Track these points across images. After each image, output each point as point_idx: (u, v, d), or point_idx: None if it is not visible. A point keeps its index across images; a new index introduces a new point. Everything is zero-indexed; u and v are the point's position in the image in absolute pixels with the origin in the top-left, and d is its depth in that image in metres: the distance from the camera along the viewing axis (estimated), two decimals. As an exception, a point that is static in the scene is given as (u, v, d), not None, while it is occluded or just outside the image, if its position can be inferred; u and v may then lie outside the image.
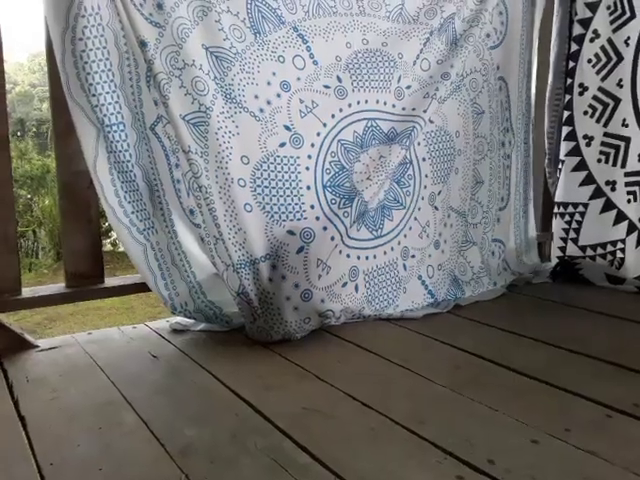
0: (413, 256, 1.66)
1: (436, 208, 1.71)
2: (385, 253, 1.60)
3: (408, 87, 1.64)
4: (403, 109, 1.63)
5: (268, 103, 1.43)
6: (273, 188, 1.42)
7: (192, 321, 1.52)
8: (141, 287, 1.48)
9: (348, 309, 1.53)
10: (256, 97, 1.41)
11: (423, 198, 1.68)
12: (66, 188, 1.43)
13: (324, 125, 1.51)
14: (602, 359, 1.27)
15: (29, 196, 6.59)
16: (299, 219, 1.45)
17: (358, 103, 1.56)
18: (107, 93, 1.31)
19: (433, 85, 1.65)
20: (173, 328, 1.51)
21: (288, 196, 1.45)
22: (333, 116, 1.53)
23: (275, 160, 1.43)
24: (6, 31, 1.32)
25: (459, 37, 1.71)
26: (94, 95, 1.29)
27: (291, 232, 1.43)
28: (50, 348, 1.39)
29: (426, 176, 1.69)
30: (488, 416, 1.02)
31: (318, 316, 1.45)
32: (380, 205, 1.59)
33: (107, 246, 5.21)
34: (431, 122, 1.68)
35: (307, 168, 1.48)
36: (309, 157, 1.49)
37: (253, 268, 1.39)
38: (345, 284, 1.51)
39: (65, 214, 1.45)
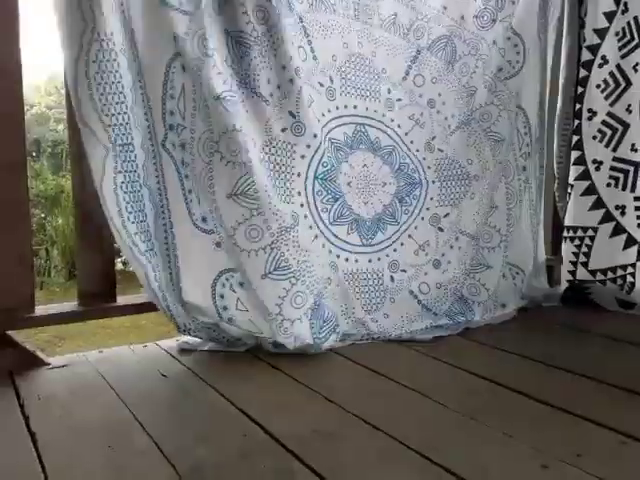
0: (404, 271, 1.71)
1: (440, 229, 1.77)
2: (370, 261, 1.66)
3: (399, 100, 1.73)
4: (392, 120, 1.72)
5: (278, 88, 1.49)
6: (271, 171, 1.49)
7: (200, 340, 1.52)
8: (152, 307, 1.49)
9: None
10: (269, 81, 1.48)
11: (423, 218, 1.75)
12: (81, 208, 1.46)
13: (318, 121, 1.57)
14: (615, 385, 1.26)
15: (43, 215, 6.68)
16: (288, 202, 1.52)
17: (345, 107, 1.64)
18: (119, 114, 1.33)
19: (419, 108, 1.74)
20: (181, 348, 1.52)
21: (282, 180, 1.51)
22: (323, 115, 1.59)
23: (276, 144, 1.50)
24: (24, 54, 1.35)
25: (458, 59, 1.79)
26: (107, 115, 1.31)
27: (293, 212, 1.51)
28: (61, 366, 1.40)
29: (431, 198, 1.75)
30: (501, 442, 1.01)
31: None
32: (377, 217, 1.68)
33: (118, 265, 5.25)
34: (440, 151, 1.77)
35: (302, 156, 1.54)
36: (307, 146, 1.54)
37: (277, 240, 1.45)
38: (324, 277, 1.56)
39: (80, 233, 1.47)
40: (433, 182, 1.75)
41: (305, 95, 1.50)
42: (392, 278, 1.69)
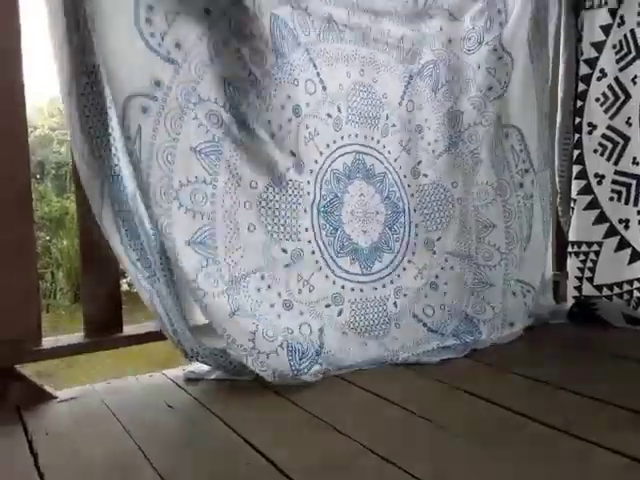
0: (405, 295, 1.72)
1: (434, 252, 1.79)
2: (375, 289, 1.68)
3: (393, 125, 1.74)
4: (384, 147, 1.73)
5: (280, 128, 1.49)
6: (277, 209, 1.52)
7: (206, 369, 1.52)
8: (159, 335, 1.49)
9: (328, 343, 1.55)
10: (269, 122, 1.48)
11: (416, 244, 1.77)
12: (86, 235, 1.46)
13: (320, 154, 1.58)
14: (622, 406, 1.25)
15: (48, 238, 6.70)
16: (294, 240, 1.54)
17: (349, 136, 1.65)
18: (111, 145, 1.35)
19: (408, 133, 1.76)
20: (187, 377, 1.51)
21: (288, 217, 1.54)
22: (328, 146, 1.60)
23: (281, 183, 1.51)
24: (26, 76, 1.36)
25: (441, 86, 1.80)
26: (98, 147, 1.33)
27: (284, 250, 1.53)
28: (69, 399, 1.40)
29: (416, 225, 1.78)
30: (512, 472, 1.00)
31: (299, 331, 1.51)
32: (374, 246, 1.69)
33: (124, 286, 5.26)
34: (425, 176, 1.79)
35: (308, 193, 1.57)
36: (308, 182, 1.57)
37: (244, 282, 1.45)
38: (328, 306, 1.58)
39: (84, 263, 1.48)
40: (414, 210, 1.77)
41: (304, 132, 1.52)
42: (395, 304, 1.70)
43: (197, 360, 1.48)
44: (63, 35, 1.30)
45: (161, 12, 1.33)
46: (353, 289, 1.65)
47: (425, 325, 1.72)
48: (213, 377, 1.50)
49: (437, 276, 1.79)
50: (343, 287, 1.63)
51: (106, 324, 1.49)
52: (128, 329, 1.52)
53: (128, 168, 1.37)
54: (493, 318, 1.80)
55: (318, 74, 1.54)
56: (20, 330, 1.37)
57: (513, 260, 1.88)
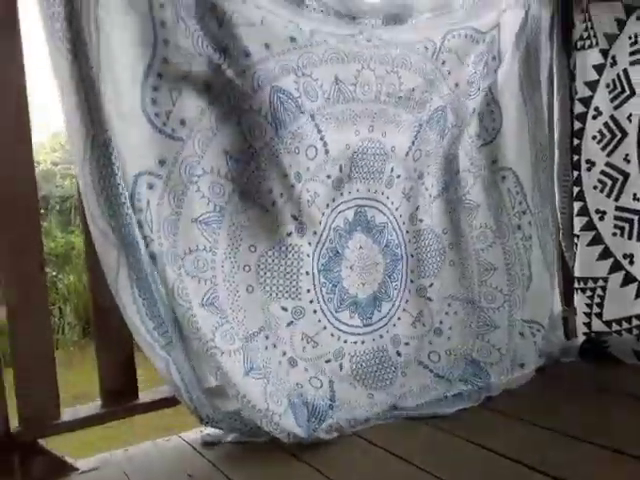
0: (407, 344, 1.75)
1: (429, 299, 1.80)
2: (374, 340, 1.71)
3: (398, 176, 1.75)
4: (387, 197, 1.74)
5: (281, 195, 1.52)
6: (275, 272, 1.56)
7: (222, 432, 1.53)
8: (174, 401, 1.51)
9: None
10: (270, 191, 1.51)
11: (410, 291, 1.79)
12: (98, 306, 1.49)
13: (322, 214, 1.61)
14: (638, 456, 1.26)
15: (54, 273, 6.75)
16: (294, 298, 1.58)
17: (350, 193, 1.67)
18: (126, 214, 1.36)
19: (411, 181, 1.77)
20: (204, 440, 1.52)
21: (288, 279, 1.57)
22: (327, 205, 1.63)
23: (280, 248, 1.55)
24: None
25: (447, 131, 1.80)
26: (111, 216, 1.35)
27: (284, 308, 1.56)
28: (89, 470, 1.42)
29: (412, 271, 1.80)
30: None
31: (309, 384, 1.55)
32: (372, 297, 1.72)
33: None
34: (420, 221, 1.80)
35: (308, 255, 1.60)
36: (309, 244, 1.60)
37: (255, 340, 1.50)
38: (329, 361, 1.62)
39: (99, 335, 1.51)
40: (412, 255, 1.80)
41: (306, 196, 1.54)
42: (398, 353, 1.72)
43: (212, 426, 1.50)
44: (73, 110, 1.32)
45: (165, 91, 1.37)
46: (355, 342, 1.67)
47: (432, 371, 1.74)
48: (229, 439, 1.52)
49: (441, 322, 1.81)
50: (346, 341, 1.66)
51: (122, 392, 1.51)
52: (144, 396, 1.54)
53: (142, 237, 1.40)
54: (500, 361, 1.81)
55: (322, 138, 1.55)
56: (41, 405, 1.40)
57: (516, 301, 1.90)
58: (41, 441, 1.40)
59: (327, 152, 1.57)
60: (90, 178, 1.34)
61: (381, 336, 1.72)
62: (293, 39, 1.47)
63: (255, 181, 1.49)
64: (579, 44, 2.00)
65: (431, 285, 1.82)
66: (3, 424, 1.36)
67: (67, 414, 1.45)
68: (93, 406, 1.50)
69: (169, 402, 1.52)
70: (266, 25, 1.43)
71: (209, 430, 1.54)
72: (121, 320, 1.47)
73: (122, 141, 1.32)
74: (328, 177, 1.60)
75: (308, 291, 1.60)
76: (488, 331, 1.84)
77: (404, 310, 1.78)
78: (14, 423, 1.39)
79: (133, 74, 1.34)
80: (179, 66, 1.36)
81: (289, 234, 1.55)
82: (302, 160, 1.53)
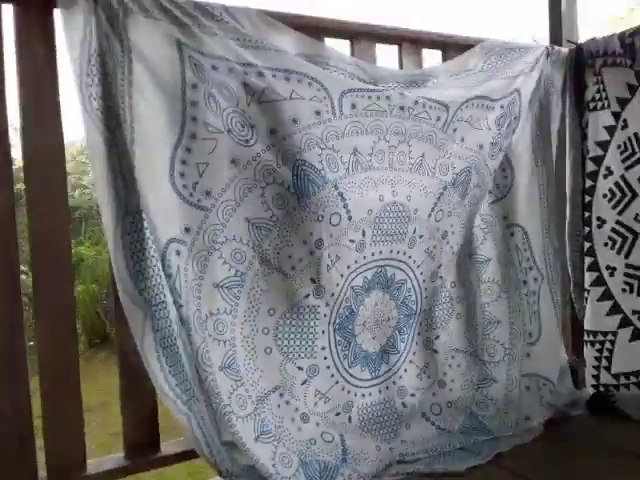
0: (413, 395, 1.80)
1: (435, 351, 1.86)
2: (380, 391, 1.76)
3: (421, 236, 1.79)
4: (409, 257, 1.79)
5: (300, 261, 1.59)
6: (292, 333, 1.62)
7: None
8: (194, 454, 1.56)
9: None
10: (290, 257, 1.57)
11: (417, 343, 1.85)
12: (125, 365, 1.56)
13: (341, 276, 1.66)
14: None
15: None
16: (309, 357, 1.64)
17: (373, 255, 1.72)
18: (151, 277, 1.45)
19: (434, 241, 1.82)
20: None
21: (304, 339, 1.63)
22: (348, 267, 1.68)
23: (298, 310, 1.61)
24: None
25: (469, 191, 1.85)
26: (141, 280, 1.43)
27: (300, 367, 1.63)
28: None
29: (420, 324, 1.86)
30: None
31: (321, 439, 1.61)
32: (382, 350, 1.77)
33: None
34: (440, 278, 1.86)
35: (325, 315, 1.66)
36: (327, 305, 1.65)
37: (267, 400, 1.56)
38: (338, 414, 1.67)
39: (125, 392, 1.57)
40: (424, 311, 1.85)
41: (326, 261, 1.60)
42: (404, 404, 1.78)
43: (231, 480, 1.56)
44: (107, 178, 1.40)
45: (193, 164, 1.45)
46: (363, 395, 1.73)
47: (433, 424, 1.80)
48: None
49: (445, 374, 1.86)
50: (355, 394, 1.72)
51: (144, 445, 1.58)
52: (166, 448, 1.60)
53: (170, 299, 1.47)
54: (499, 413, 1.86)
55: (345, 205, 1.60)
56: (68, 458, 1.47)
57: (516, 355, 1.95)
58: (67, 492, 1.47)
59: (350, 218, 1.62)
60: (121, 243, 1.42)
61: (387, 387, 1.77)
62: (318, 113, 1.55)
63: (276, 247, 1.55)
64: (591, 105, 2.06)
65: (437, 337, 1.87)
66: (33, 477, 1.43)
67: (92, 466, 1.52)
68: (116, 458, 1.57)
69: (190, 455, 1.58)
70: (295, 99, 1.51)
71: (228, 481, 1.60)
72: (145, 375, 1.55)
73: (153, 210, 1.40)
74: (351, 241, 1.65)
75: (323, 348, 1.66)
76: (487, 385, 1.90)
77: (410, 362, 1.83)
78: (42, 473, 1.46)
79: (163, 149, 1.42)
80: (207, 142, 1.44)
81: (306, 296, 1.61)
82: (325, 227, 1.58)
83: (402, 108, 1.69)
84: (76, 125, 1.42)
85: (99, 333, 6.97)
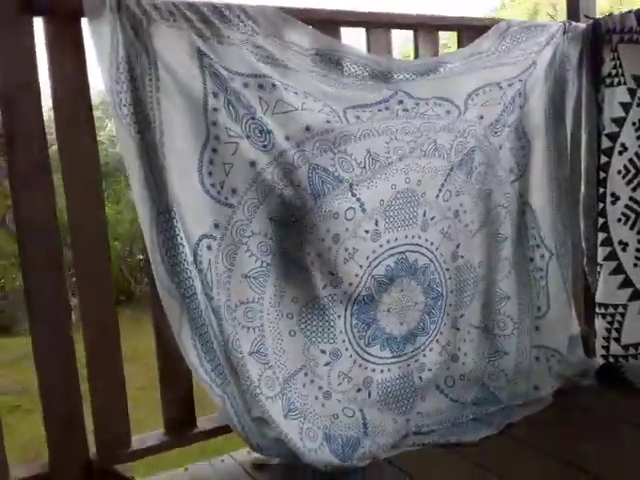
0: (430, 370, 1.90)
1: (457, 329, 1.95)
2: (399, 368, 1.86)
3: (432, 218, 1.84)
4: (426, 240, 1.85)
5: (318, 256, 1.67)
6: (313, 319, 1.72)
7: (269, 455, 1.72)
8: (227, 429, 1.70)
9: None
10: (308, 254, 1.66)
11: (445, 324, 1.93)
12: (162, 349, 1.68)
13: (360, 266, 1.73)
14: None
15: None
16: (331, 342, 1.74)
17: (388, 242, 1.77)
18: (184, 270, 1.53)
19: (447, 221, 1.87)
20: (254, 463, 1.72)
21: (324, 325, 1.74)
22: (367, 258, 1.74)
23: (318, 299, 1.71)
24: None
25: (474, 169, 1.89)
26: (175, 274, 1.53)
27: (323, 351, 1.74)
28: (157, 489, 1.64)
29: (450, 305, 1.93)
30: None
31: (343, 414, 1.74)
32: (409, 333, 1.85)
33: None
34: (462, 257, 1.92)
35: (341, 302, 1.74)
36: (345, 293, 1.74)
37: (293, 379, 1.68)
38: (359, 390, 1.79)
39: (162, 370, 1.70)
40: (451, 292, 1.92)
41: (343, 255, 1.68)
42: (420, 378, 1.88)
43: (261, 453, 1.69)
44: (141, 182, 1.48)
45: (220, 164, 1.52)
46: (382, 370, 1.83)
47: (447, 396, 1.91)
48: (276, 462, 1.72)
49: (459, 348, 1.96)
50: (374, 370, 1.82)
51: (183, 422, 1.72)
52: (202, 425, 1.75)
53: (200, 290, 1.57)
54: (509, 384, 1.97)
55: (359, 199, 1.67)
56: (116, 435, 1.62)
57: (526, 328, 2.04)
58: (117, 467, 1.62)
59: (364, 210, 1.69)
60: (156, 240, 1.51)
61: (408, 365, 1.87)
62: (328, 122, 1.62)
63: (295, 245, 1.65)
64: (607, 81, 2.06)
65: (462, 316, 1.96)
66: (85, 453, 1.58)
67: (136, 442, 1.67)
68: (157, 434, 1.71)
69: (224, 430, 1.72)
70: (305, 110, 1.58)
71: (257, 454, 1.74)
72: (180, 357, 1.67)
73: (184, 210, 1.49)
74: (366, 232, 1.71)
75: (341, 332, 1.75)
76: (498, 357, 2.00)
77: (437, 341, 1.91)
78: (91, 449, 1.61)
79: (191, 150, 1.50)
80: (229, 145, 1.52)
81: (324, 287, 1.69)
82: (341, 222, 1.65)
83: (406, 110, 1.75)
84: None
85: (124, 290, 7.12)
